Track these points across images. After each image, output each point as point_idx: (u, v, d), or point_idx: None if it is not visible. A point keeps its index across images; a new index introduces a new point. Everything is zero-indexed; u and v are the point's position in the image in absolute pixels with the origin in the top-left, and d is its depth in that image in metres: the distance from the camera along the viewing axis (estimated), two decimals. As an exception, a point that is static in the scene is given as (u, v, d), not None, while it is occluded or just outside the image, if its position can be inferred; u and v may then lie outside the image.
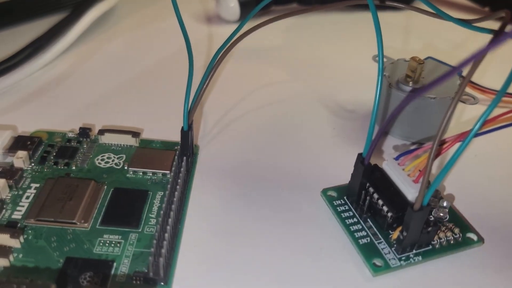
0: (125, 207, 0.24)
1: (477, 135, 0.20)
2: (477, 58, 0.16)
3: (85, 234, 0.22)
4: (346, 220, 0.24)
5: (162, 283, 0.20)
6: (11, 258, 0.21)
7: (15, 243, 0.21)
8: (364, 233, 0.23)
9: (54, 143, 0.27)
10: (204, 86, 0.25)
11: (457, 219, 0.24)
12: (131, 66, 0.36)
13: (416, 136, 0.29)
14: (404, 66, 0.30)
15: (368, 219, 0.24)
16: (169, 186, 0.23)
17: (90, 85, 0.33)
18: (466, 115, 0.32)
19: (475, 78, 0.30)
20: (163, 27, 0.42)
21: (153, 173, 0.26)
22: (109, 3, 0.38)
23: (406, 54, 0.31)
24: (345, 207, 0.24)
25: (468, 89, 0.31)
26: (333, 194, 0.25)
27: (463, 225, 0.24)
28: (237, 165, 0.27)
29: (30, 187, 0.24)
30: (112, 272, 0.21)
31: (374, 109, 0.22)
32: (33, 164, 0.26)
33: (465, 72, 0.21)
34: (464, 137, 0.22)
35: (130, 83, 0.34)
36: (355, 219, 0.24)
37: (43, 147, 0.27)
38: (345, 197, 0.25)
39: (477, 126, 0.19)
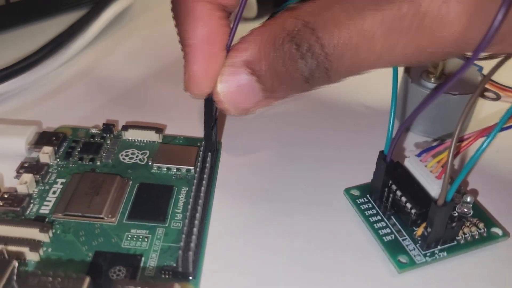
0: (151, 202, 0.24)
1: (504, 128, 0.20)
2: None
3: (113, 228, 0.22)
4: (370, 218, 0.24)
5: (191, 277, 0.20)
6: (41, 252, 0.21)
7: (44, 237, 0.21)
8: (388, 230, 0.23)
9: (78, 138, 0.27)
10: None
11: (481, 214, 0.24)
12: (152, 62, 0.36)
13: (438, 132, 0.29)
14: (425, 62, 0.30)
15: (392, 216, 0.24)
16: (195, 181, 0.24)
17: (111, 81, 0.34)
18: (486, 111, 0.32)
19: (496, 76, 0.30)
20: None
21: (177, 169, 0.26)
22: (128, -1, 0.38)
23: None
24: (368, 205, 0.24)
25: (489, 87, 0.31)
26: (356, 192, 0.25)
27: (488, 220, 0.23)
28: (259, 163, 0.27)
29: (56, 182, 0.25)
30: (141, 266, 0.21)
31: (392, 106, 0.22)
32: (58, 160, 0.26)
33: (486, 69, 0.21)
34: (486, 133, 0.22)
35: (151, 79, 0.34)
36: (378, 217, 0.24)
37: (68, 143, 0.27)
38: (368, 195, 0.25)
39: (502, 122, 0.19)
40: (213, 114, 0.24)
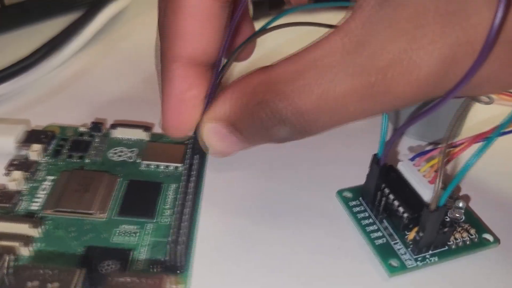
0: (140, 199, 0.24)
1: (506, 133, 0.20)
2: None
3: (103, 224, 0.23)
4: (362, 221, 0.24)
5: (181, 271, 0.21)
6: (32, 247, 0.21)
7: (35, 232, 0.22)
8: (380, 233, 0.23)
9: (67, 137, 0.28)
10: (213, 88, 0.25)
11: (473, 220, 0.24)
12: (142, 65, 0.36)
13: (431, 136, 0.29)
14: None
15: (384, 220, 0.24)
16: (183, 177, 0.24)
17: (102, 83, 0.34)
18: (479, 116, 0.31)
19: None
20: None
21: (166, 166, 0.26)
22: (123, 2, 0.38)
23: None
24: (360, 208, 0.24)
25: None
26: (349, 195, 0.25)
27: (479, 226, 0.24)
28: (250, 163, 0.27)
29: (45, 179, 0.25)
30: (131, 260, 0.21)
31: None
32: (47, 157, 0.26)
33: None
34: (480, 139, 0.22)
35: (141, 81, 0.35)
36: (371, 220, 0.24)
37: (56, 141, 0.27)
38: (360, 198, 0.25)
39: (503, 127, 0.19)
40: (196, 148, 0.25)
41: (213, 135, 0.21)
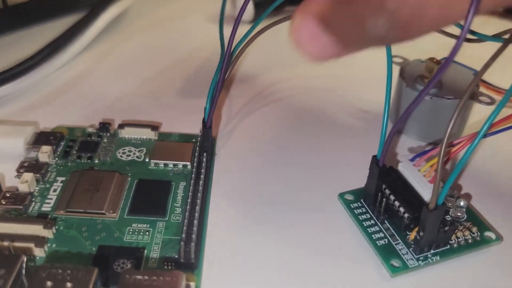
0: (151, 197, 0.25)
1: (489, 134, 0.20)
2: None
3: (114, 223, 0.23)
4: (364, 222, 0.24)
5: (193, 268, 0.21)
6: (45, 247, 0.21)
7: (48, 233, 0.22)
8: (381, 234, 0.23)
9: (76, 138, 0.28)
10: (219, 85, 0.25)
11: (474, 218, 0.24)
12: (147, 65, 0.37)
13: (432, 136, 0.30)
14: (420, 67, 0.30)
15: (385, 221, 0.24)
16: (193, 175, 0.24)
17: (108, 84, 0.34)
18: (481, 115, 0.31)
19: (493, 80, 0.30)
20: (178, 27, 0.43)
21: (174, 165, 0.26)
22: (126, 3, 0.39)
23: (421, 55, 0.31)
24: (362, 210, 0.25)
25: (484, 90, 0.31)
26: (350, 197, 0.25)
27: (481, 224, 0.24)
28: (253, 166, 0.28)
29: (56, 181, 0.25)
30: (144, 258, 0.21)
31: (385, 111, 0.22)
32: (57, 159, 0.27)
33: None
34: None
35: (146, 80, 0.35)
36: (372, 221, 0.24)
37: (65, 142, 0.28)
38: (362, 200, 0.25)
39: (485, 128, 0.19)
40: (204, 146, 0.26)
41: (303, 33, 0.18)
